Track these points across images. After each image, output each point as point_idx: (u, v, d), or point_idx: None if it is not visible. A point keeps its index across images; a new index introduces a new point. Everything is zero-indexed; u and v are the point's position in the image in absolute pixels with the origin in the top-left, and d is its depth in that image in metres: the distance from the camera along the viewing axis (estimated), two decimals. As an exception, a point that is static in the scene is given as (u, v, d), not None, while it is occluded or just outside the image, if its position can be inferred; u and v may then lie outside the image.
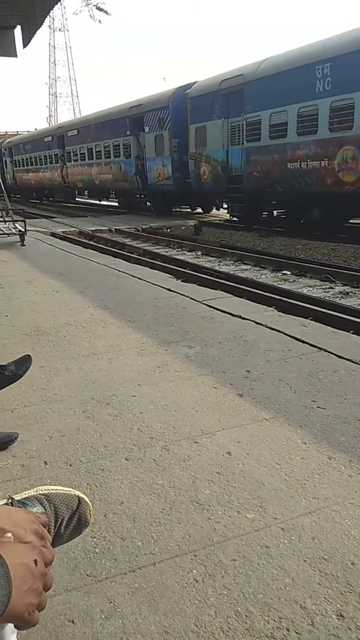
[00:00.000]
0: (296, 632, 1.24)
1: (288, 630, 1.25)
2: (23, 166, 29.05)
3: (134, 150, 17.47)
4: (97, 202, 24.44)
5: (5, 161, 32.00)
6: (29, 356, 2.25)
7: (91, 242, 10.90)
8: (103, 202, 24.53)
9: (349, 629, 1.25)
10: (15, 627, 0.67)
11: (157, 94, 16.26)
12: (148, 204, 18.36)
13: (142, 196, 18.34)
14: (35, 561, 0.62)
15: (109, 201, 23.54)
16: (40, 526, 0.69)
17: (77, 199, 26.45)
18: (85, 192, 24.26)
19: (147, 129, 16.44)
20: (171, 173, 15.49)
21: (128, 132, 17.63)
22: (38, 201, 27.49)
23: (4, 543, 0.63)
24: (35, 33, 7.37)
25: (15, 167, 30.43)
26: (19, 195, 30.78)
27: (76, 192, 25.07)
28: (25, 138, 29.79)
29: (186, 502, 1.75)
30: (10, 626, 0.71)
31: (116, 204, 22.43)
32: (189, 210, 18.46)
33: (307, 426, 2.25)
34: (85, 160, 21.15)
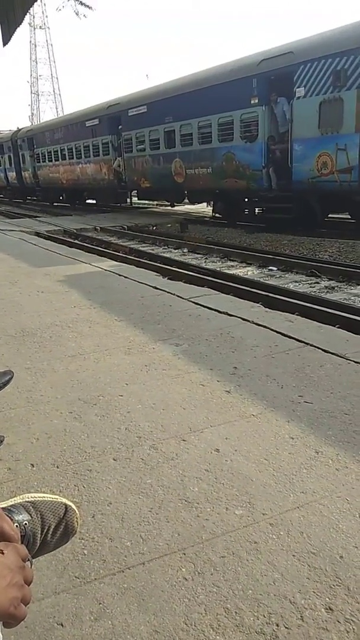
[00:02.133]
0: (285, 627, 1.25)
1: (277, 625, 1.25)
2: (49, 161, 22.29)
3: (264, 129, 11.17)
4: (169, 206, 17.82)
5: (23, 155, 25.01)
6: (11, 371, 2.27)
7: (76, 241, 10.82)
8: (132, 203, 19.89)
9: (338, 622, 1.26)
10: (4, 625, 0.66)
11: (330, 30, 9.82)
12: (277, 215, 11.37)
13: (260, 202, 11.93)
14: (2, 551, 0.62)
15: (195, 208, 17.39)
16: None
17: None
18: (135, 192, 18.56)
19: (301, 91, 10.06)
20: (357, 161, 9.22)
21: (254, 101, 11.21)
22: (68, 205, 21.89)
23: None
24: (15, 31, 7.27)
25: (38, 161, 23.44)
26: (38, 197, 24.95)
27: (134, 193, 18.96)
28: (55, 124, 22.54)
29: (175, 500, 1.75)
30: None
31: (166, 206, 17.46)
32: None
33: (295, 421, 2.26)
34: (160, 149, 14.72)
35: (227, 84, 11.81)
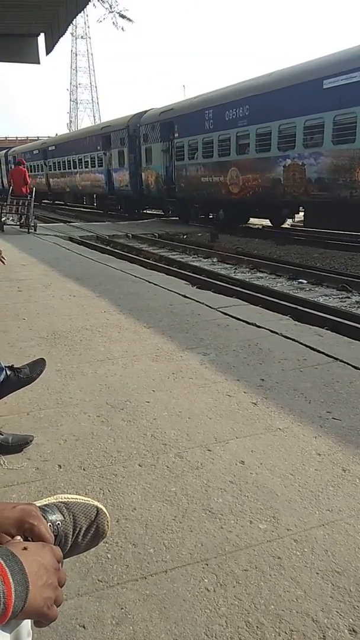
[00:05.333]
0: (308, 646, 1.23)
1: (299, 643, 1.24)
2: (206, 157, 14.36)
3: None
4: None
5: (148, 149, 17.09)
6: (43, 359, 2.30)
7: (108, 247, 10.97)
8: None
9: (362, 644, 1.24)
10: (35, 624, 0.68)
11: None
12: None
13: None
14: (25, 548, 0.64)
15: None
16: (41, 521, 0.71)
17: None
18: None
19: None
20: None
21: None
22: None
23: (14, 543, 0.65)
24: (58, 40, 7.50)
25: (180, 158, 15.56)
26: (171, 210, 17.47)
27: None
28: (228, 95, 13.40)
29: (198, 510, 1.75)
30: (26, 628, 0.72)
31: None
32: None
33: (322, 437, 2.23)
34: None
35: None
